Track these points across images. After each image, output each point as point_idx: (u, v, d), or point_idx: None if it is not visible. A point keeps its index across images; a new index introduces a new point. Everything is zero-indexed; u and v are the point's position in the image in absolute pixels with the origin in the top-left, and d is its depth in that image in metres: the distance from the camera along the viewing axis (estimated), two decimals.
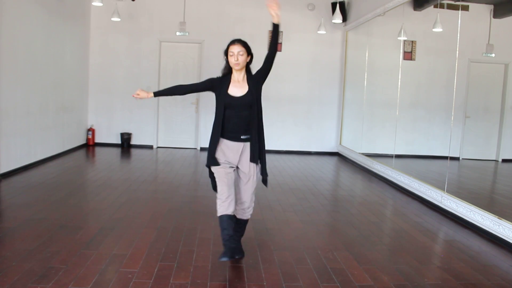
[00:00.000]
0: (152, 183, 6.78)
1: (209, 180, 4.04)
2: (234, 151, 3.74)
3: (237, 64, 3.66)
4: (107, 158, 8.85)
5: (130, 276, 3.39)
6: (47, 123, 8.10)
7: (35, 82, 7.55)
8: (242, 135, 3.72)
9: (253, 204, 3.88)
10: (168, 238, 4.29)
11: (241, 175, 3.81)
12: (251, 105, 3.70)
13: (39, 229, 4.33)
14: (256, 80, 3.77)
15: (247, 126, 3.72)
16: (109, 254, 3.79)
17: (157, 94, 3.99)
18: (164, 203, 5.60)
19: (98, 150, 9.87)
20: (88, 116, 10.40)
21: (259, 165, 3.84)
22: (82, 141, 10.08)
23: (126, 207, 5.30)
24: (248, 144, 3.75)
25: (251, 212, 3.90)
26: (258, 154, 3.77)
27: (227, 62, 3.74)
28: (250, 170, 3.78)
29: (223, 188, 3.66)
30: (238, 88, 3.72)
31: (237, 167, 3.81)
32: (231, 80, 3.75)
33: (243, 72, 3.76)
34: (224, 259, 3.54)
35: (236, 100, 3.68)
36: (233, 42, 3.74)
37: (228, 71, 3.78)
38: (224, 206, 3.63)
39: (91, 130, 10.28)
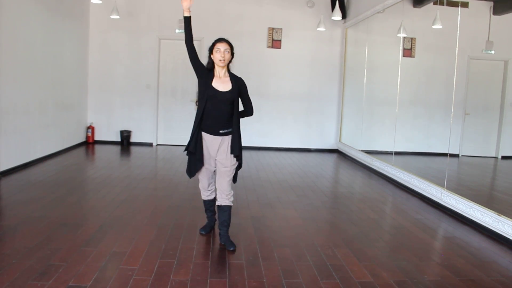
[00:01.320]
0: (152, 181, 6.78)
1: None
2: (213, 145, 4.00)
3: (222, 61, 3.89)
4: (107, 156, 8.85)
5: (130, 273, 3.39)
6: (47, 121, 8.10)
7: (35, 80, 7.54)
8: (221, 130, 3.97)
9: (232, 191, 4.13)
10: (168, 235, 4.30)
11: (219, 166, 4.06)
12: (232, 101, 3.96)
13: (39, 227, 4.33)
14: (238, 85, 4.02)
15: (226, 121, 3.97)
16: (109, 251, 3.80)
17: (188, 20, 3.99)
18: (164, 201, 5.61)
19: (97, 147, 9.87)
20: (88, 114, 10.39)
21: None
22: (81, 139, 10.08)
23: (126, 205, 5.31)
24: (226, 137, 4.01)
25: (232, 199, 4.13)
26: (238, 149, 4.04)
27: (210, 58, 3.98)
28: (227, 161, 4.03)
29: (204, 182, 4.21)
30: (220, 83, 3.96)
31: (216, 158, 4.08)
32: (214, 75, 3.98)
33: (224, 69, 3.99)
34: (203, 232, 4.40)
35: (220, 94, 3.91)
36: (220, 40, 3.99)
37: (211, 66, 3.99)
38: (206, 194, 4.29)
39: (90, 128, 10.27)
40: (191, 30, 3.95)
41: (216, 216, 4.45)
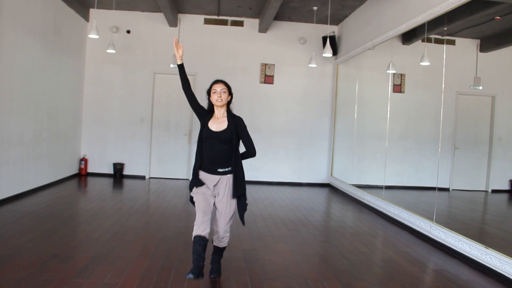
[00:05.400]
0: (144, 214, 6.80)
1: None
2: (209, 183, 3.95)
3: (219, 100, 3.94)
4: (99, 188, 8.87)
5: None
6: (41, 152, 8.15)
7: (30, 111, 7.64)
8: (219, 168, 3.93)
9: (228, 234, 4.06)
10: (160, 267, 4.32)
11: (217, 206, 4.00)
12: (230, 140, 3.92)
13: (31, 258, 4.34)
14: (237, 124, 3.99)
15: (223, 160, 3.93)
16: (101, 283, 3.81)
17: (181, 67, 4.05)
18: (156, 233, 5.62)
19: (90, 180, 9.89)
20: (81, 146, 10.46)
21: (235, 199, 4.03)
22: (74, 170, 10.10)
23: (118, 237, 5.32)
24: (224, 177, 3.96)
25: (227, 241, 4.10)
26: (239, 188, 3.97)
27: (209, 100, 4.04)
28: (225, 204, 3.97)
29: (199, 215, 3.86)
30: (217, 124, 3.98)
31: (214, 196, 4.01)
32: (212, 117, 4.03)
33: (223, 109, 4.03)
34: (189, 276, 3.62)
35: (214, 134, 3.92)
36: (216, 81, 4.04)
37: (212, 108, 4.06)
38: (199, 228, 3.78)
39: (83, 160, 10.31)
40: (186, 76, 4.07)
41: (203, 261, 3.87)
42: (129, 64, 10.49)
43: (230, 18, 10.62)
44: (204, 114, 4.05)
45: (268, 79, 10.69)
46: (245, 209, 4.08)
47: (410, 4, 6.83)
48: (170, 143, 10.70)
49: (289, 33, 10.75)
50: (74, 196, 8.16)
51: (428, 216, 5.94)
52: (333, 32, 10.44)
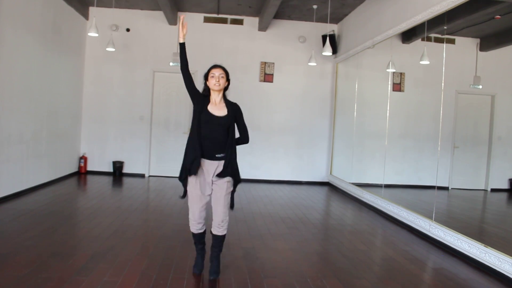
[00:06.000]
0: (144, 212, 6.81)
1: None
2: (209, 169, 3.96)
3: (217, 85, 3.94)
4: (99, 186, 8.87)
5: None
6: (40, 151, 8.15)
7: (30, 110, 7.63)
8: (217, 154, 3.95)
9: (227, 218, 4.05)
10: (159, 265, 4.32)
11: (214, 191, 4.01)
12: (229, 126, 3.98)
13: (31, 256, 4.34)
14: (234, 110, 4.07)
15: (222, 146, 3.95)
16: (101, 280, 3.82)
17: (183, 46, 4.05)
18: (156, 231, 5.63)
19: (90, 178, 9.89)
20: (81, 144, 10.45)
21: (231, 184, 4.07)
22: (74, 169, 10.10)
23: (117, 235, 5.33)
24: (221, 162, 3.97)
25: (226, 227, 4.05)
26: (231, 171, 4.00)
27: (206, 84, 4.03)
28: (223, 187, 3.99)
29: (195, 210, 4.03)
30: (216, 109, 3.98)
31: (212, 183, 4.02)
32: (210, 101, 4.01)
33: (220, 95, 4.04)
34: (197, 272, 4.14)
35: (216, 118, 3.93)
36: (214, 66, 4.05)
37: (207, 93, 4.04)
38: (196, 226, 4.08)
39: (83, 158, 10.31)
40: (186, 56, 4.00)
41: (205, 247, 4.29)
42: (129, 62, 10.49)
43: (229, 17, 10.63)
44: (200, 97, 4.00)
45: (267, 77, 10.69)
46: (232, 205, 4.12)
47: (410, 3, 6.83)
48: (170, 142, 10.70)
49: (288, 31, 10.74)
50: (74, 194, 8.16)
51: (428, 214, 5.94)
52: (333, 30, 10.43)
